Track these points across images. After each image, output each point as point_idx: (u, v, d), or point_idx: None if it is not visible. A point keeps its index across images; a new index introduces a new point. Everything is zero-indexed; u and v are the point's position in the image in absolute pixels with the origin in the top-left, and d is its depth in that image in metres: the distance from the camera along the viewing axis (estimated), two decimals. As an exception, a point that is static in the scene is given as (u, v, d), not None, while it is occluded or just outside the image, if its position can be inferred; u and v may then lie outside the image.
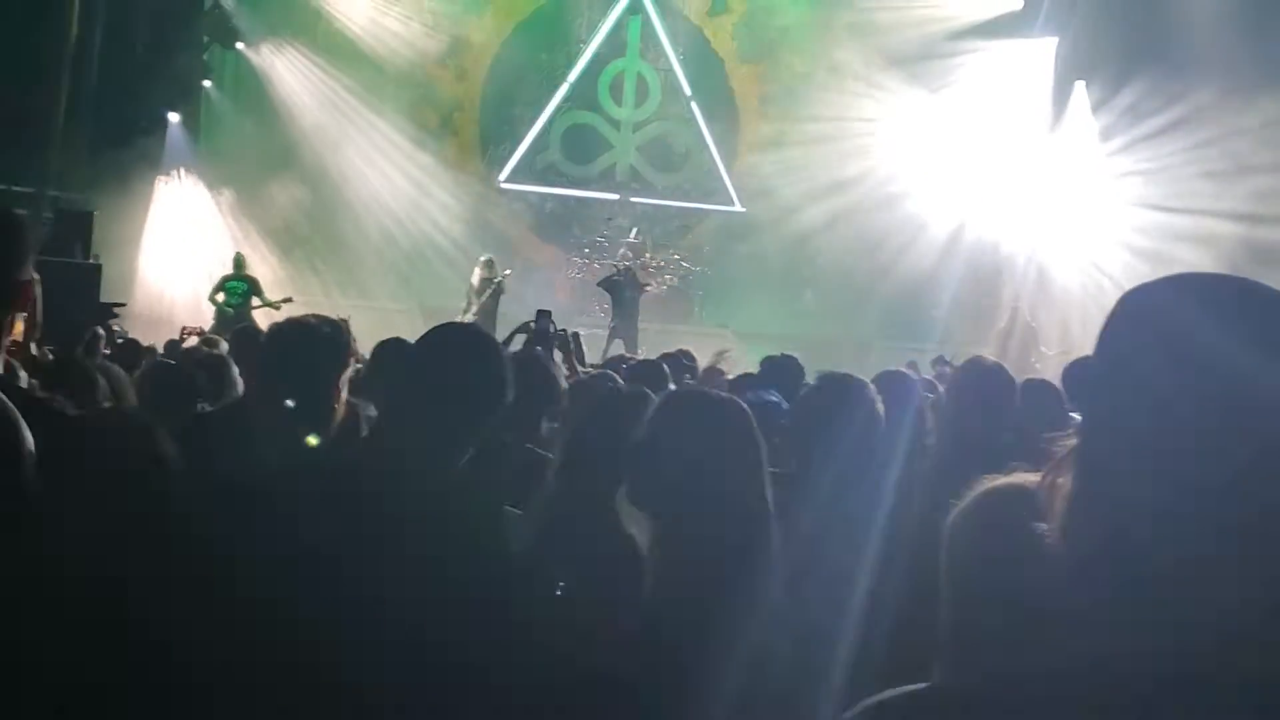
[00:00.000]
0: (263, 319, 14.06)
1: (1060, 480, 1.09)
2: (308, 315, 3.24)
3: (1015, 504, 1.44)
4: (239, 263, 15.06)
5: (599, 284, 16.16)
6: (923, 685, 1.21)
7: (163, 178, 17.14)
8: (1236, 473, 1.00)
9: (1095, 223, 16.81)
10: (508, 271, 15.14)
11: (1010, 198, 17.76)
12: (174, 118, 17.22)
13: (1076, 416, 1.15)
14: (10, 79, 15.25)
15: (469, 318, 14.40)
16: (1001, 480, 1.54)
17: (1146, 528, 1.03)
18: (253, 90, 17.92)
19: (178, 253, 16.92)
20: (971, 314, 17.19)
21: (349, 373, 3.20)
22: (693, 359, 6.65)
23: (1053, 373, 11.32)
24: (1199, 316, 1.07)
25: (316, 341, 3.08)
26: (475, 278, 15.28)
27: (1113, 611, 1.04)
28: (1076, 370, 5.15)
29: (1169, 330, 1.07)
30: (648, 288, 16.22)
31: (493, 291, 15.01)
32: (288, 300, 14.51)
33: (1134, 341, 1.09)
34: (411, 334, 3.14)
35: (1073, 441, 1.10)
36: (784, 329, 16.60)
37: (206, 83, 17.83)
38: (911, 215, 18.19)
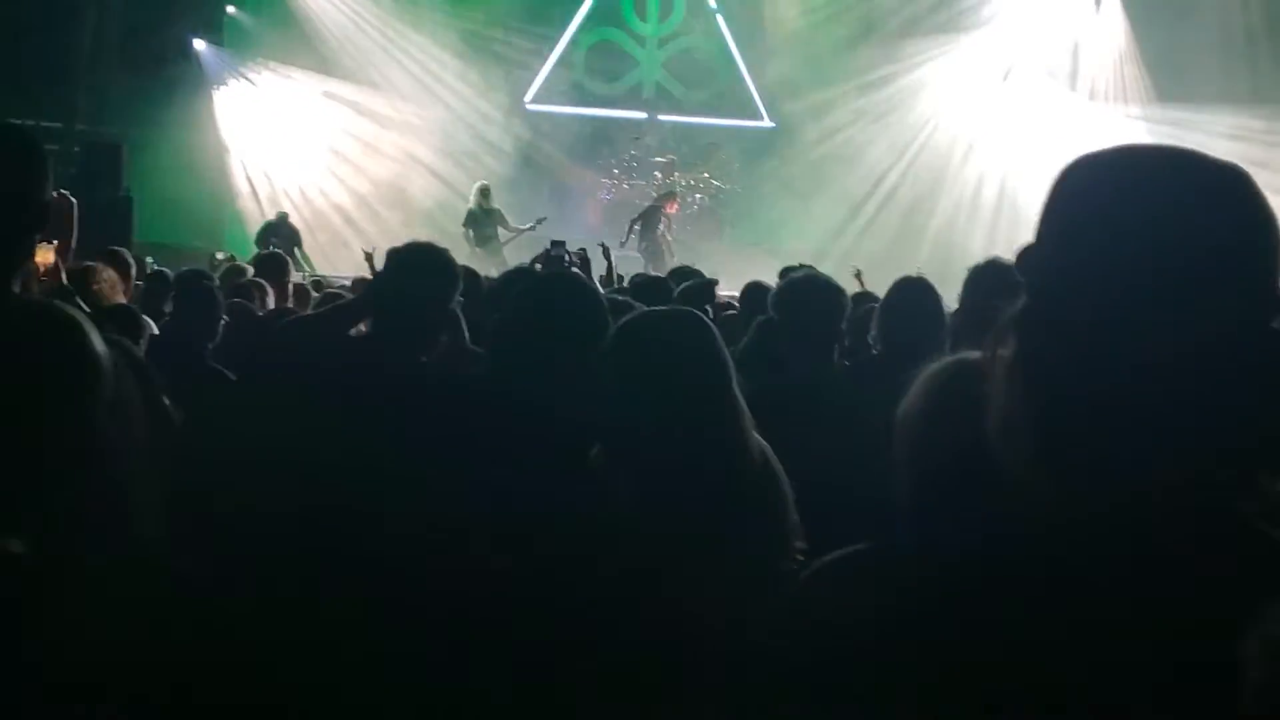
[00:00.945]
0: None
1: (1001, 350, 1.12)
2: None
3: (959, 376, 1.53)
4: (282, 219, 15.10)
5: (632, 221, 16.10)
6: (871, 545, 1.24)
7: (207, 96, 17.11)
8: (1173, 338, 1.03)
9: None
10: (542, 218, 14.94)
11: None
12: (200, 44, 17.14)
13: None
14: (35, 15, 15.27)
15: (470, 247, 14.41)
16: (949, 358, 1.61)
17: (1082, 390, 1.06)
18: (278, 11, 17.84)
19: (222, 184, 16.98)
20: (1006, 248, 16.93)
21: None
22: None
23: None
24: (1137, 186, 1.09)
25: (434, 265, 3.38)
26: (473, 201, 15.25)
27: (1049, 474, 1.08)
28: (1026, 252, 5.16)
29: (1108, 200, 1.09)
30: (670, 213, 16.21)
31: (507, 233, 14.96)
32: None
33: (1073, 212, 1.10)
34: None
35: (1014, 310, 1.12)
36: (816, 246, 16.53)
37: (230, 8, 17.75)
38: (954, 137, 17.99)
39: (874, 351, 4.17)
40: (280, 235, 14.62)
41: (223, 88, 17.28)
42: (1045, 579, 1.06)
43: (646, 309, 2.83)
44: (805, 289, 3.91)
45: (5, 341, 1.81)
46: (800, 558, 2.28)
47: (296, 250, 14.55)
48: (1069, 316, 1.07)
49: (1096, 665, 1.01)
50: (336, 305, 4.22)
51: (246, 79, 17.45)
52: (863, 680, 1.09)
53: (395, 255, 3.48)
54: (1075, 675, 1.02)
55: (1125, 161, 1.13)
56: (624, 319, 2.58)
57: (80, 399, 1.66)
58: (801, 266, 5.55)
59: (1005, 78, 17.93)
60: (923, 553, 1.17)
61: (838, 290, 3.93)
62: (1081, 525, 1.06)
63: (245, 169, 17.24)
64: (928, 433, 1.58)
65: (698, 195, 18.57)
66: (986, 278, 3.98)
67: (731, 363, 2.47)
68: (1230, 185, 1.09)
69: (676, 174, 18.39)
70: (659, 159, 18.42)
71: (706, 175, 18.91)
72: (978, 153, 17.99)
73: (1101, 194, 1.10)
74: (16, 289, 2.27)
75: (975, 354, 1.33)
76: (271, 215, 15.55)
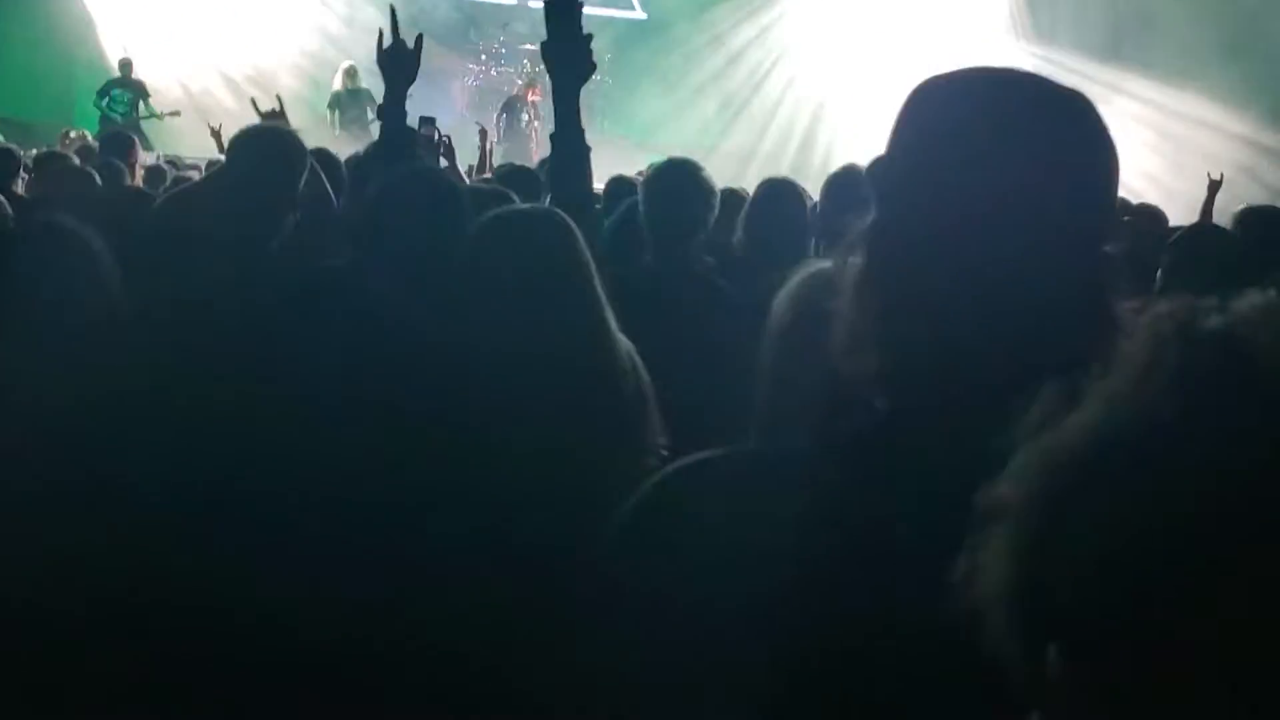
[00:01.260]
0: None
1: (851, 260, 1.15)
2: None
3: (815, 284, 1.56)
4: (125, 67, 14.40)
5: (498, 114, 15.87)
6: (721, 450, 1.24)
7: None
8: (1010, 252, 1.07)
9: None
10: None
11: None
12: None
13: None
14: None
15: (336, 129, 14.06)
16: (810, 268, 1.66)
17: (921, 301, 1.09)
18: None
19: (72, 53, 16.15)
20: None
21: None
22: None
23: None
24: (983, 102, 1.13)
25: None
26: (338, 83, 14.85)
27: (888, 388, 1.12)
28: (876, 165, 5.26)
29: (955, 115, 1.13)
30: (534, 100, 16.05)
31: (373, 116, 14.60)
32: (176, 114, 14.01)
33: (921, 126, 1.14)
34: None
35: (863, 223, 1.15)
36: (685, 140, 16.51)
37: None
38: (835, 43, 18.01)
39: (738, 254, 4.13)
40: (123, 87, 14.06)
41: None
42: (882, 486, 1.09)
43: (511, 206, 2.83)
44: (671, 176, 3.81)
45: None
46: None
47: (142, 102, 14.01)
48: (914, 229, 1.09)
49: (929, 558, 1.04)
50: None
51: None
52: (714, 590, 1.08)
53: (236, 142, 3.43)
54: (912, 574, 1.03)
55: (974, 80, 1.16)
56: (484, 216, 2.58)
57: None
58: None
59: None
60: (777, 462, 1.18)
61: (705, 182, 3.82)
62: (912, 434, 1.09)
63: (99, 40, 16.40)
64: (786, 344, 1.61)
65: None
66: (842, 187, 4.02)
67: (592, 261, 2.48)
68: (1073, 107, 1.13)
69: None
70: (527, 46, 18.08)
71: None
72: (856, 59, 18.03)
73: (949, 109, 1.13)
74: None
75: (824, 262, 1.40)
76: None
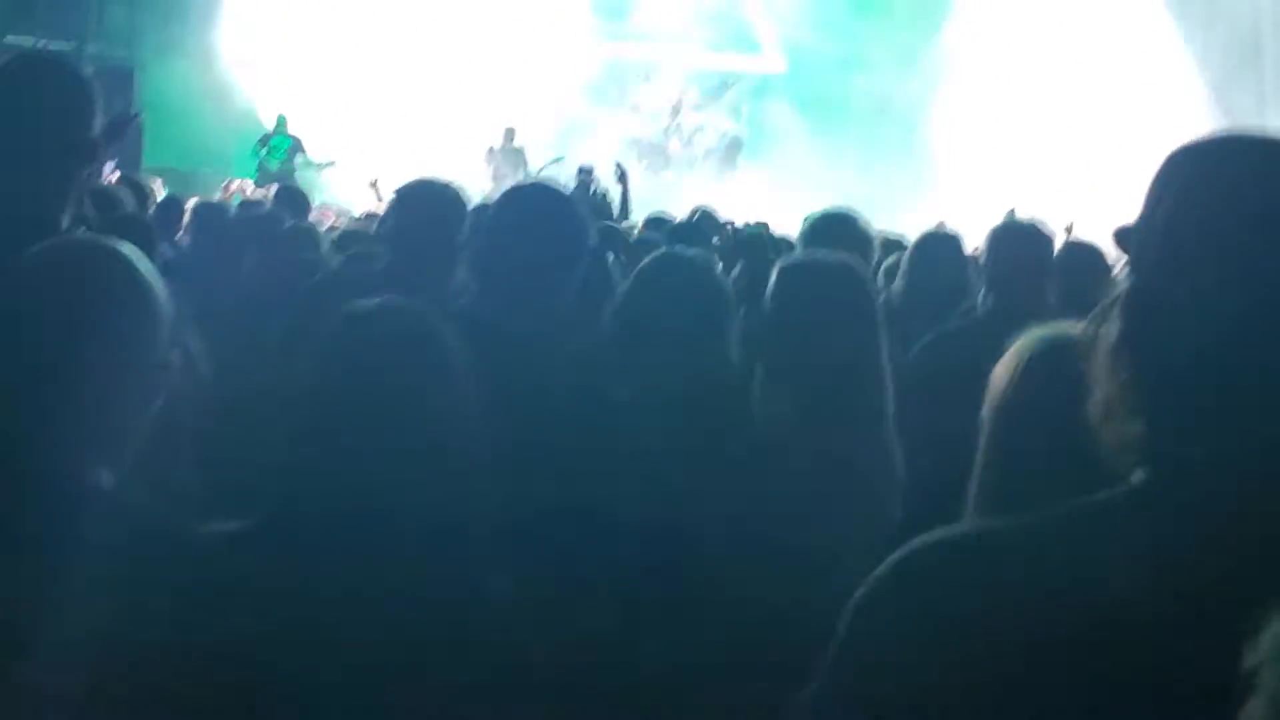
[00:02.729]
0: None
1: (1104, 328, 1.12)
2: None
3: (1056, 351, 1.49)
4: (283, 121, 14.96)
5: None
6: (956, 528, 1.19)
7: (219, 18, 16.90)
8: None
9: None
10: (559, 157, 14.89)
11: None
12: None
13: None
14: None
15: (490, 184, 14.38)
16: (1042, 329, 1.58)
17: (1189, 373, 1.06)
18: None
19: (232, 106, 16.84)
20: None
21: None
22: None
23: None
24: (1243, 172, 1.11)
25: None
26: (498, 142, 15.22)
27: (1154, 459, 1.07)
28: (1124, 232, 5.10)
29: (1215, 185, 1.11)
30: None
31: (525, 173, 14.91)
32: (331, 164, 14.48)
33: (1180, 196, 1.11)
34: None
35: (1119, 291, 1.13)
36: (825, 185, 16.49)
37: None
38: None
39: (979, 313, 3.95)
40: (282, 138, 14.58)
41: (234, 9, 17.12)
42: (1151, 558, 1.04)
43: (807, 254, 2.86)
44: (827, 223, 3.82)
45: (60, 280, 1.87)
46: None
47: (299, 154, 14.48)
48: (1175, 300, 1.07)
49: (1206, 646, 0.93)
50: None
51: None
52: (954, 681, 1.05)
53: (404, 194, 3.45)
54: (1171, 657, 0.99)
55: (1236, 144, 1.15)
56: (784, 262, 2.59)
57: (140, 338, 1.72)
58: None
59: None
60: (1027, 537, 1.11)
61: (863, 231, 3.81)
62: (1187, 506, 1.05)
63: (255, 91, 17.06)
64: (1014, 414, 1.54)
65: (706, 135, 18.48)
66: (1013, 240, 3.91)
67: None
68: None
69: (686, 112, 18.31)
70: (670, 100, 18.35)
71: (715, 116, 18.82)
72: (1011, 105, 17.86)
73: (1207, 180, 1.11)
74: (66, 223, 2.37)
75: (1068, 327, 1.33)
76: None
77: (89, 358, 1.65)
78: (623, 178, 6.10)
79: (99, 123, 2.47)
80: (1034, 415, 1.49)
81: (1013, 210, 8.35)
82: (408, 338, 1.70)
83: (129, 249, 1.75)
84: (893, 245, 4.87)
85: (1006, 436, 1.55)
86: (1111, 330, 1.10)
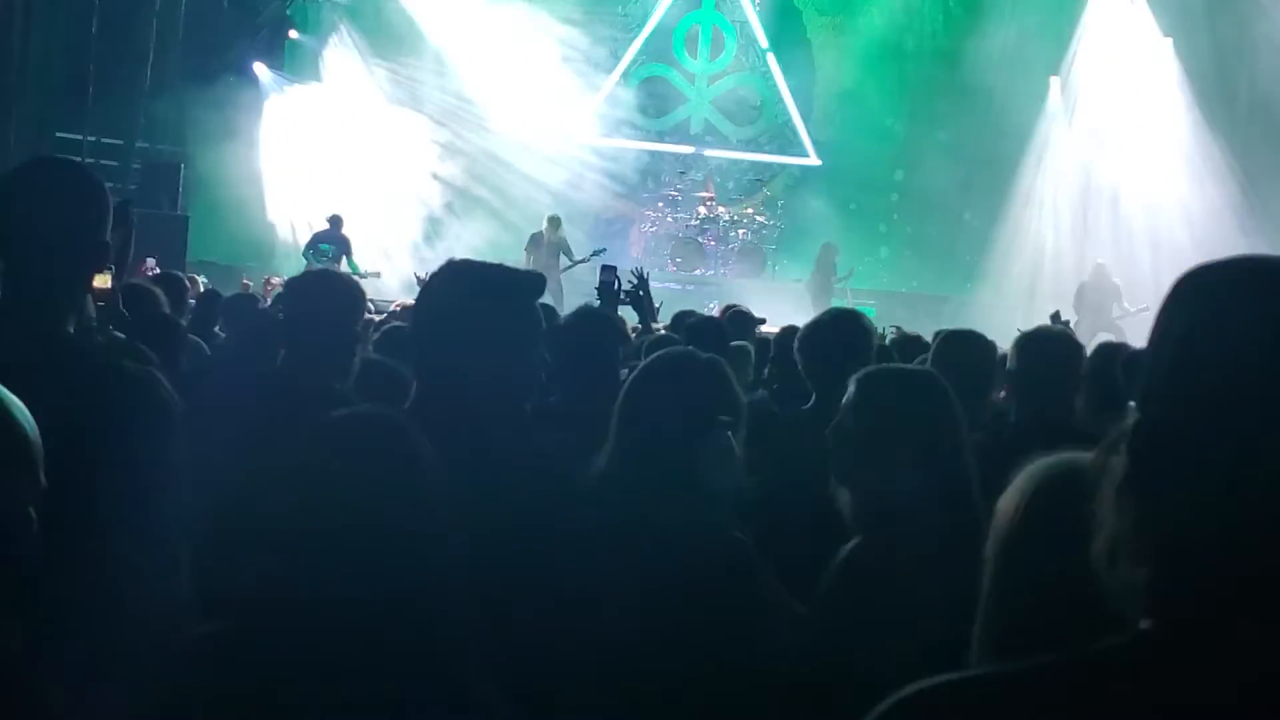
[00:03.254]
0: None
1: (1113, 460, 1.05)
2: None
3: (1063, 485, 1.41)
4: (334, 223, 15.21)
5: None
6: (962, 673, 1.12)
7: (270, 106, 17.33)
8: None
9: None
10: (600, 249, 15.00)
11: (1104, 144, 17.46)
12: (260, 68, 17.37)
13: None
14: (101, 35, 15.60)
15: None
16: (1053, 458, 1.51)
17: (1201, 519, 0.98)
18: (338, 37, 18.15)
19: (275, 204, 17.17)
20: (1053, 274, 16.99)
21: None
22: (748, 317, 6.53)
23: (1134, 332, 11.28)
24: (1259, 299, 1.03)
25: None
26: (542, 229, 15.38)
27: (1160, 609, 1.01)
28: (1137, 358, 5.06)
29: (1230, 314, 1.03)
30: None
31: (568, 262, 15.04)
32: (376, 275, 14.59)
33: (1192, 324, 1.04)
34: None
35: (1128, 422, 1.05)
36: (858, 282, 16.58)
37: (293, 33, 18.04)
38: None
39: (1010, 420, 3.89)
40: (331, 242, 14.80)
41: (277, 110, 17.53)
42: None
43: (885, 365, 2.84)
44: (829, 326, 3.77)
45: (69, 392, 1.89)
46: None
47: (346, 257, 14.70)
48: (1195, 430, 0.99)
49: None
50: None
51: (302, 102, 17.73)
52: None
53: (294, 284, 3.52)
54: None
55: (1246, 273, 1.06)
56: (865, 374, 2.53)
57: (149, 457, 1.72)
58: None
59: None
60: (1027, 687, 1.05)
61: (865, 329, 3.78)
62: (1194, 664, 0.98)
63: (296, 190, 17.38)
64: (1018, 549, 1.48)
65: (740, 230, 18.64)
66: (1038, 346, 3.85)
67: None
68: None
69: (721, 208, 18.50)
70: (703, 194, 18.54)
71: (750, 210, 18.99)
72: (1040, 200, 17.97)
73: (1223, 306, 1.03)
74: (71, 329, 2.39)
75: (1079, 457, 1.25)
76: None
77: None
78: (643, 283, 6.04)
79: (109, 227, 2.49)
80: (1038, 553, 1.43)
81: (1058, 312, 8.33)
82: (381, 449, 1.69)
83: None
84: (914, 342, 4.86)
85: (1009, 574, 1.49)
86: (1119, 465, 1.04)
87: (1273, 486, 0.96)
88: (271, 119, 17.43)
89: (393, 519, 1.63)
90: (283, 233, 17.10)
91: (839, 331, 3.70)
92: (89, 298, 2.51)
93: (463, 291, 2.39)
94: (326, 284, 3.46)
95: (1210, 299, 1.04)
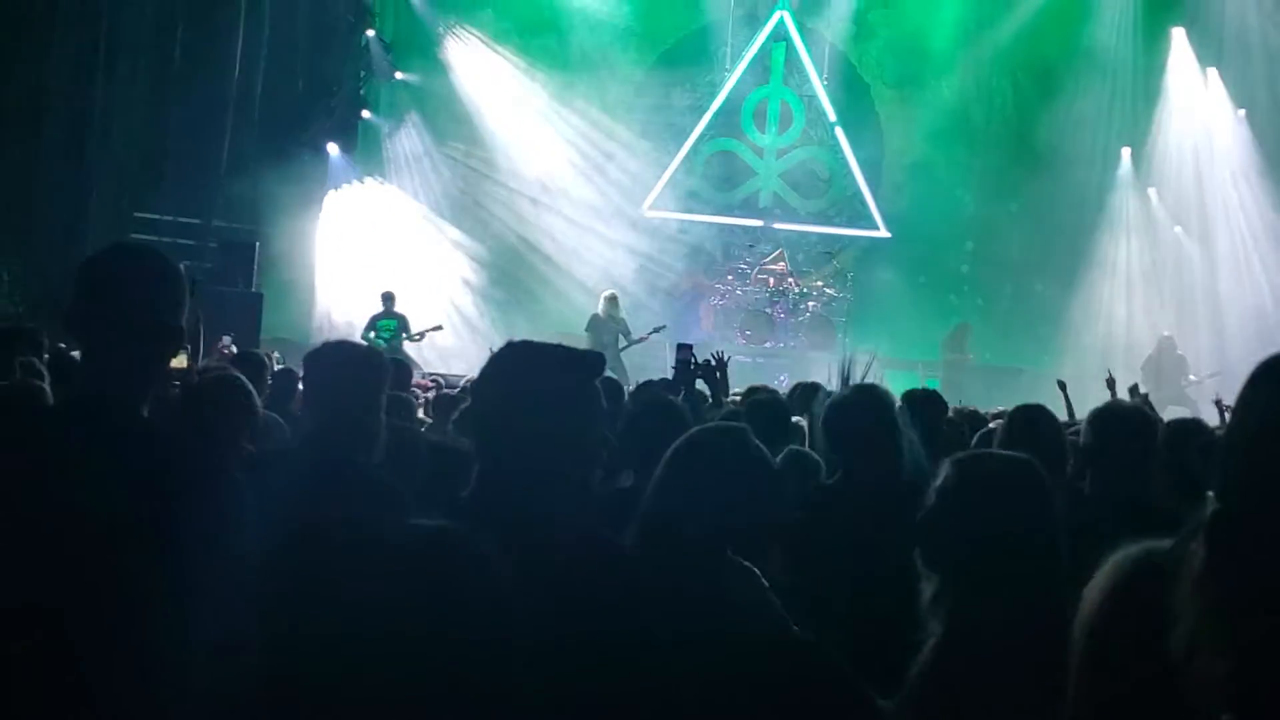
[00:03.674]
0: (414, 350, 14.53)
1: (1193, 547, 1.03)
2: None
3: (1147, 575, 1.38)
4: (388, 300, 15.44)
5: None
6: None
7: (331, 197, 17.67)
8: None
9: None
10: (660, 326, 15.07)
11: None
12: (333, 149, 17.75)
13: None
14: (180, 117, 16.04)
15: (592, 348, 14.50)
16: (1136, 548, 1.49)
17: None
18: (410, 120, 18.54)
19: (345, 282, 17.43)
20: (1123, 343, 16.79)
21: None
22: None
23: (1205, 399, 11.08)
24: None
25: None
26: (600, 309, 15.43)
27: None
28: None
29: None
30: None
31: (627, 341, 15.07)
32: (437, 328, 14.87)
33: (1270, 415, 1.02)
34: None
35: (1206, 511, 1.03)
36: (928, 354, 16.46)
37: (365, 113, 18.43)
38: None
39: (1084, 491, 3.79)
40: (388, 318, 15.04)
41: (347, 191, 17.88)
42: None
43: (985, 452, 2.87)
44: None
45: (142, 477, 1.90)
46: None
47: (404, 334, 14.92)
48: (1265, 527, 0.97)
49: None
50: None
51: (372, 183, 18.08)
52: None
53: (312, 356, 3.42)
54: None
55: None
56: (961, 459, 2.53)
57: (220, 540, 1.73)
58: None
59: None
60: None
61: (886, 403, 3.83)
62: None
63: (366, 270, 17.60)
64: (1104, 640, 1.45)
65: (810, 303, 18.60)
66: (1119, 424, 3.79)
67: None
68: None
69: (790, 279, 18.49)
70: (775, 265, 18.56)
71: (820, 283, 18.95)
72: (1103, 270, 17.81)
73: None
74: (146, 412, 2.42)
75: (1163, 546, 1.24)
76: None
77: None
78: (720, 364, 6.36)
79: (186, 310, 2.53)
80: (1123, 646, 1.39)
81: (1136, 385, 8.18)
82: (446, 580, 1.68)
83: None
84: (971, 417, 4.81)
85: (1095, 666, 1.45)
86: (1197, 556, 1.01)
87: None
88: (338, 202, 17.76)
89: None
90: (352, 309, 17.33)
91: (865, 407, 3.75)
92: (166, 380, 2.55)
93: (523, 372, 2.39)
94: (343, 354, 3.41)
95: None
